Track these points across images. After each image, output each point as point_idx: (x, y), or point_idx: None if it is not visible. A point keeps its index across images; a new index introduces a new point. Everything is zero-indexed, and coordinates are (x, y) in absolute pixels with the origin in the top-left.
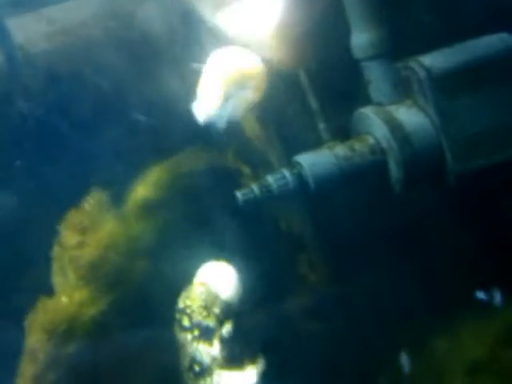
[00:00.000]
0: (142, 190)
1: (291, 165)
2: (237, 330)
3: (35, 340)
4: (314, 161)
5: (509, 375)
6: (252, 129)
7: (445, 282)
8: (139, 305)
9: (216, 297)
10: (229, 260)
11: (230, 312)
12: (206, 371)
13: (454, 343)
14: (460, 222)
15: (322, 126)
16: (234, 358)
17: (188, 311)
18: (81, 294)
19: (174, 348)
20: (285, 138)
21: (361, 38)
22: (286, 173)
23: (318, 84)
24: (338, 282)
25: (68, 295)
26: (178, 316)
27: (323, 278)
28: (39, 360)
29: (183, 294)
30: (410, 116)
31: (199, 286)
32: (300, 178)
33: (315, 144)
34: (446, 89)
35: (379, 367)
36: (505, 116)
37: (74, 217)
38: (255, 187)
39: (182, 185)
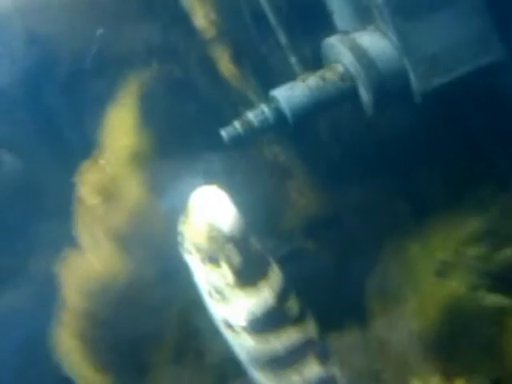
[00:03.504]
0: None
1: (268, 99)
2: (243, 252)
3: (69, 293)
4: (290, 94)
5: (470, 273)
6: (227, 69)
7: (421, 193)
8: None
9: (216, 226)
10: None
11: (232, 238)
12: (220, 293)
13: (426, 246)
14: (431, 136)
15: (293, 59)
16: (245, 278)
17: (190, 239)
18: (112, 257)
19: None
20: (261, 74)
21: None
22: (265, 108)
23: (285, 19)
24: (326, 204)
25: (99, 257)
26: (180, 239)
27: (312, 202)
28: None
29: (181, 219)
30: (374, 41)
31: (198, 216)
32: (278, 112)
33: (289, 77)
34: (404, 12)
35: (367, 273)
36: (460, 33)
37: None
38: (237, 124)
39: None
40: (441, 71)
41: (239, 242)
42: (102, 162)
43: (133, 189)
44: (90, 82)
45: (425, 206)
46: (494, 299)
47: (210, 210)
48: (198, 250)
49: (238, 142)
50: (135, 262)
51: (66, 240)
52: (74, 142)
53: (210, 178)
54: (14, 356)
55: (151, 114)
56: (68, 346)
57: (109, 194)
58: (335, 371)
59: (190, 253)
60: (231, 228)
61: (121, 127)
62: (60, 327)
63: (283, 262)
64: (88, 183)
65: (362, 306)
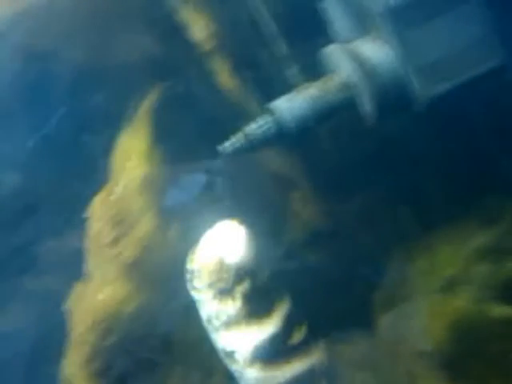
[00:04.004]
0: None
1: (270, 111)
2: (252, 287)
3: (78, 330)
4: (290, 105)
5: (477, 288)
6: (227, 81)
7: (425, 203)
8: None
9: (226, 262)
10: (238, 219)
11: (244, 273)
12: (224, 327)
13: (433, 261)
14: (434, 145)
15: (293, 69)
16: (253, 312)
17: (199, 274)
18: (122, 291)
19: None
20: (261, 85)
21: None
22: (267, 119)
23: (285, 28)
24: (329, 214)
25: (109, 293)
26: (188, 276)
27: (314, 213)
28: (83, 349)
29: (190, 257)
30: (374, 50)
31: (209, 251)
32: (279, 123)
33: (290, 87)
34: (405, 20)
35: (372, 286)
36: (460, 40)
37: (102, 205)
38: (241, 136)
39: None
40: (442, 78)
41: (249, 277)
42: (113, 196)
43: (145, 219)
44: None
45: (429, 216)
46: (501, 312)
47: (221, 245)
48: (206, 284)
49: (239, 153)
50: (143, 293)
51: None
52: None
53: (212, 188)
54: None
55: (161, 136)
56: (72, 373)
57: (122, 229)
58: None
59: (198, 289)
60: (241, 264)
61: (132, 155)
62: (66, 356)
63: (287, 275)
64: (100, 219)
65: (367, 320)
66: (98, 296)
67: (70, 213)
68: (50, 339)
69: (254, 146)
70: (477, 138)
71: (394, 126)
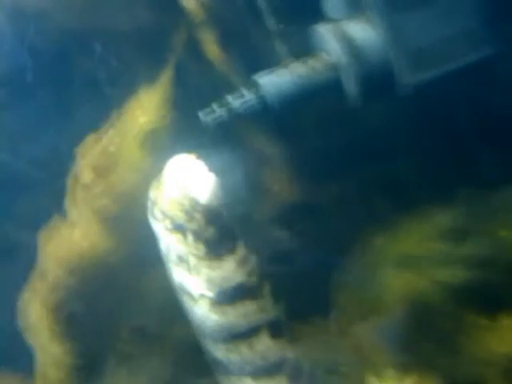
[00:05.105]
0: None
1: (252, 85)
2: (214, 225)
3: (47, 262)
4: (274, 80)
5: (433, 265)
6: (214, 52)
7: (398, 187)
8: None
9: (190, 194)
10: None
11: (205, 208)
12: (183, 259)
13: (390, 238)
14: (413, 131)
15: (281, 45)
16: (212, 251)
17: (159, 205)
18: (98, 235)
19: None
20: (248, 60)
21: None
22: (249, 94)
23: (275, 5)
24: (303, 194)
25: (82, 232)
26: (149, 204)
27: (288, 191)
28: (48, 281)
29: (154, 184)
30: (362, 32)
31: (172, 183)
32: (262, 98)
33: (276, 63)
34: (395, 4)
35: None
36: (450, 28)
37: (93, 148)
38: (221, 109)
39: None
40: (428, 65)
41: (211, 213)
42: (106, 138)
43: (131, 171)
44: None
45: (400, 200)
46: (455, 294)
47: (185, 177)
48: (166, 217)
49: (218, 126)
50: (119, 243)
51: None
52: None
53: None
54: None
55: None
56: (36, 314)
57: (104, 173)
58: (287, 350)
59: (158, 220)
60: (204, 198)
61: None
62: (32, 295)
63: (256, 249)
64: (86, 159)
65: (327, 297)
66: (74, 239)
67: None
68: None
69: (236, 120)
70: (455, 129)
71: (377, 113)
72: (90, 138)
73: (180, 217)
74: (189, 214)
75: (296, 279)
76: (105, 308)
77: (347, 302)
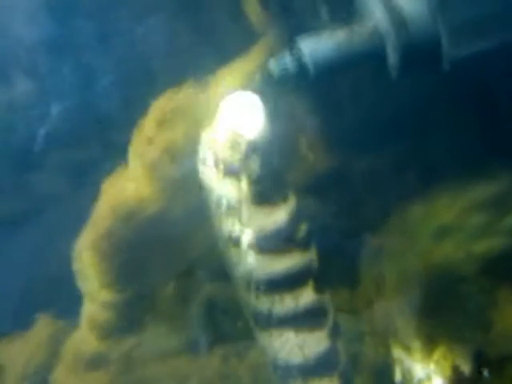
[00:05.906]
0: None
1: (292, 48)
2: (265, 167)
3: (101, 211)
4: (314, 45)
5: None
6: (253, 11)
7: (434, 161)
8: None
9: (241, 135)
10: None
11: (256, 149)
12: (234, 208)
13: (428, 210)
14: (452, 105)
15: (324, 10)
16: (264, 197)
17: (212, 148)
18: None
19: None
20: (289, 23)
21: None
22: (287, 57)
23: None
24: (335, 164)
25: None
26: (201, 151)
27: (321, 160)
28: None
29: (205, 127)
30: (410, 2)
31: (224, 122)
32: (300, 63)
33: (317, 28)
34: None
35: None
36: (498, 3)
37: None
38: (263, 72)
39: None
40: (474, 40)
41: (264, 154)
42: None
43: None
44: None
45: (435, 173)
46: (490, 268)
47: (237, 116)
48: (218, 159)
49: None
50: (170, 197)
51: None
52: None
53: None
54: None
55: None
56: (86, 260)
57: (169, 127)
58: (329, 305)
59: (210, 166)
60: (258, 137)
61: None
62: (85, 242)
63: None
64: (154, 112)
65: (356, 267)
66: (124, 187)
67: None
68: None
69: (275, 82)
70: (494, 105)
71: (415, 83)
72: (167, 93)
73: (235, 158)
74: (242, 154)
75: (326, 246)
76: (153, 259)
77: (379, 272)
